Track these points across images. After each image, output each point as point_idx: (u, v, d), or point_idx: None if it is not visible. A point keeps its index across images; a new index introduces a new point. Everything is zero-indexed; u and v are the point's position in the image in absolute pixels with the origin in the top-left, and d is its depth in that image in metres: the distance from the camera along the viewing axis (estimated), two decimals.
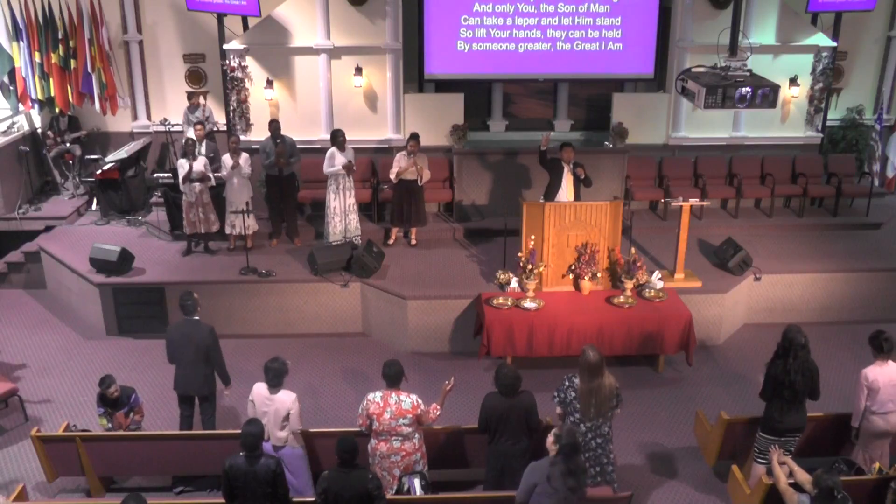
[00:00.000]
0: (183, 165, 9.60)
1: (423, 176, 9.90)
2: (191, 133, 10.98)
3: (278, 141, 9.87)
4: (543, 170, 9.93)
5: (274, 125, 9.94)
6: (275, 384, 6.04)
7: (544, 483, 5.06)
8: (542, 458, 5.17)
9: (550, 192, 9.47)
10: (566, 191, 9.39)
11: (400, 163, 9.85)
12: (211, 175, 9.71)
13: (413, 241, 10.37)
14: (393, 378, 5.89)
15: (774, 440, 6.16)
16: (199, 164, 9.65)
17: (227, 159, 9.72)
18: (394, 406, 5.83)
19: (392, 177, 9.90)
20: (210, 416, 7.08)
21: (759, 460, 6.28)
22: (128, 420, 6.83)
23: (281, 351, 8.80)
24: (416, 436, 6.00)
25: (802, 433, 6.25)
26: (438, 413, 6.03)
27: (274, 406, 6.02)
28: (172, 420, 7.44)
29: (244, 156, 9.79)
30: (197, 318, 6.94)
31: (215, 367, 6.94)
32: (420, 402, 5.92)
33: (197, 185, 9.63)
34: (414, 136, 9.85)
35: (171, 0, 11.84)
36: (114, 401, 6.75)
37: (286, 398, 6.04)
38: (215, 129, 11.63)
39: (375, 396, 5.89)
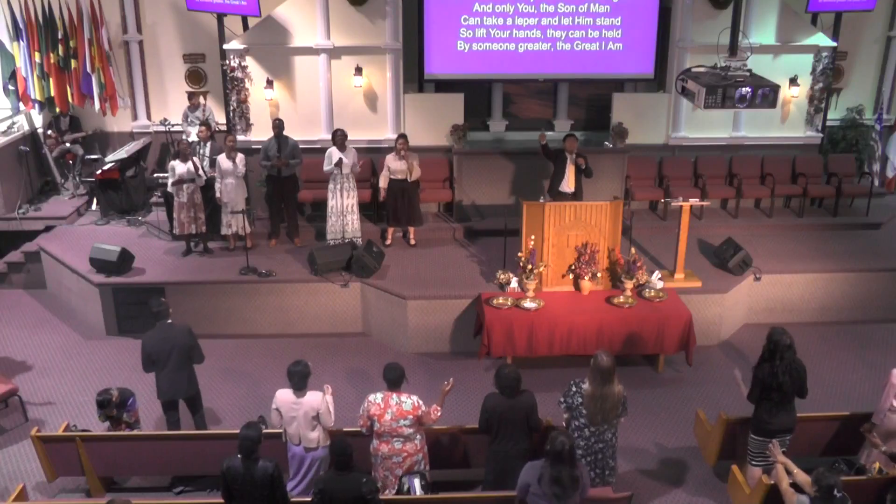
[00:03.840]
0: (173, 168, 9.57)
1: (413, 173, 9.89)
2: (193, 133, 11.00)
3: (280, 142, 9.87)
4: (544, 169, 10.03)
5: (277, 124, 9.94)
6: (301, 387, 6.01)
7: (536, 484, 5.09)
8: (539, 459, 5.18)
9: (554, 182, 9.82)
10: (568, 180, 9.69)
11: (390, 165, 9.84)
12: (203, 174, 9.64)
13: (412, 241, 10.37)
14: (394, 381, 5.89)
15: (766, 441, 6.16)
16: (187, 166, 9.54)
17: (222, 160, 9.70)
18: (394, 407, 5.83)
19: (382, 185, 9.92)
20: (200, 414, 7.11)
21: (754, 463, 6.29)
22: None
23: (281, 351, 8.85)
24: (418, 437, 5.99)
25: (793, 433, 6.25)
26: (439, 414, 6.04)
27: (302, 409, 5.99)
28: None
29: (240, 156, 9.77)
30: (170, 321, 6.91)
31: (197, 363, 6.96)
32: (421, 402, 5.92)
33: (189, 185, 9.61)
34: (402, 136, 9.88)
35: (171, 0, 11.84)
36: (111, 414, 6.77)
37: (314, 399, 6.01)
38: (216, 129, 11.62)
39: (376, 398, 5.89)
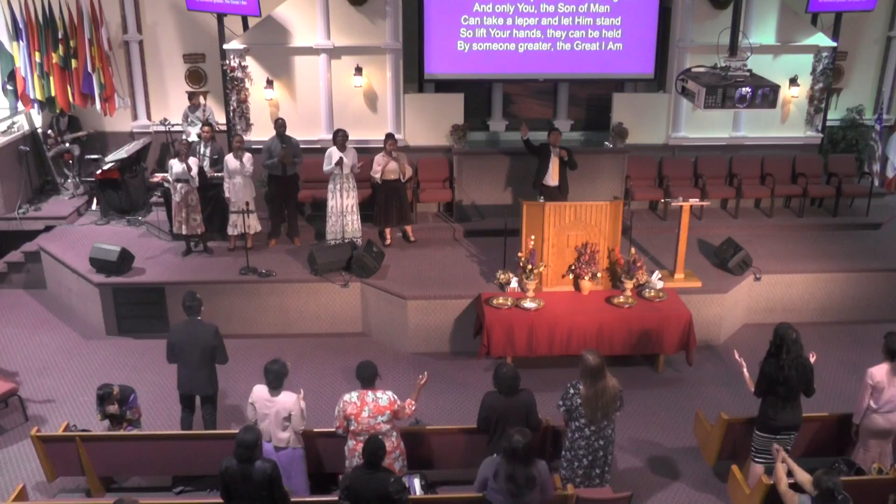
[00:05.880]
0: (171, 166, 9.58)
1: (406, 172, 9.93)
2: (193, 133, 11.00)
3: (284, 142, 9.88)
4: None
5: (280, 123, 9.95)
6: (276, 386, 6.03)
7: (493, 479, 5.15)
8: (496, 455, 5.22)
9: (539, 175, 10.04)
10: (552, 173, 9.94)
11: (379, 163, 9.83)
12: (195, 176, 9.60)
13: (412, 238, 10.38)
14: (369, 379, 5.90)
15: (770, 438, 6.17)
16: (182, 166, 9.52)
17: (230, 159, 9.71)
18: (371, 404, 5.83)
19: (377, 176, 9.90)
20: (211, 415, 7.09)
21: (757, 459, 6.29)
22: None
23: (281, 351, 8.83)
24: (394, 434, 5.99)
25: (798, 431, 6.25)
26: (414, 408, 6.07)
27: (275, 408, 6.01)
28: (172, 420, 7.44)
29: (247, 155, 9.78)
30: (199, 318, 6.94)
31: (220, 364, 6.97)
32: (396, 397, 5.94)
33: (183, 185, 9.60)
34: (391, 136, 9.92)
35: (171, 0, 11.84)
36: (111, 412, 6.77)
37: (287, 399, 6.03)
38: (217, 129, 11.60)
39: (352, 397, 5.89)
